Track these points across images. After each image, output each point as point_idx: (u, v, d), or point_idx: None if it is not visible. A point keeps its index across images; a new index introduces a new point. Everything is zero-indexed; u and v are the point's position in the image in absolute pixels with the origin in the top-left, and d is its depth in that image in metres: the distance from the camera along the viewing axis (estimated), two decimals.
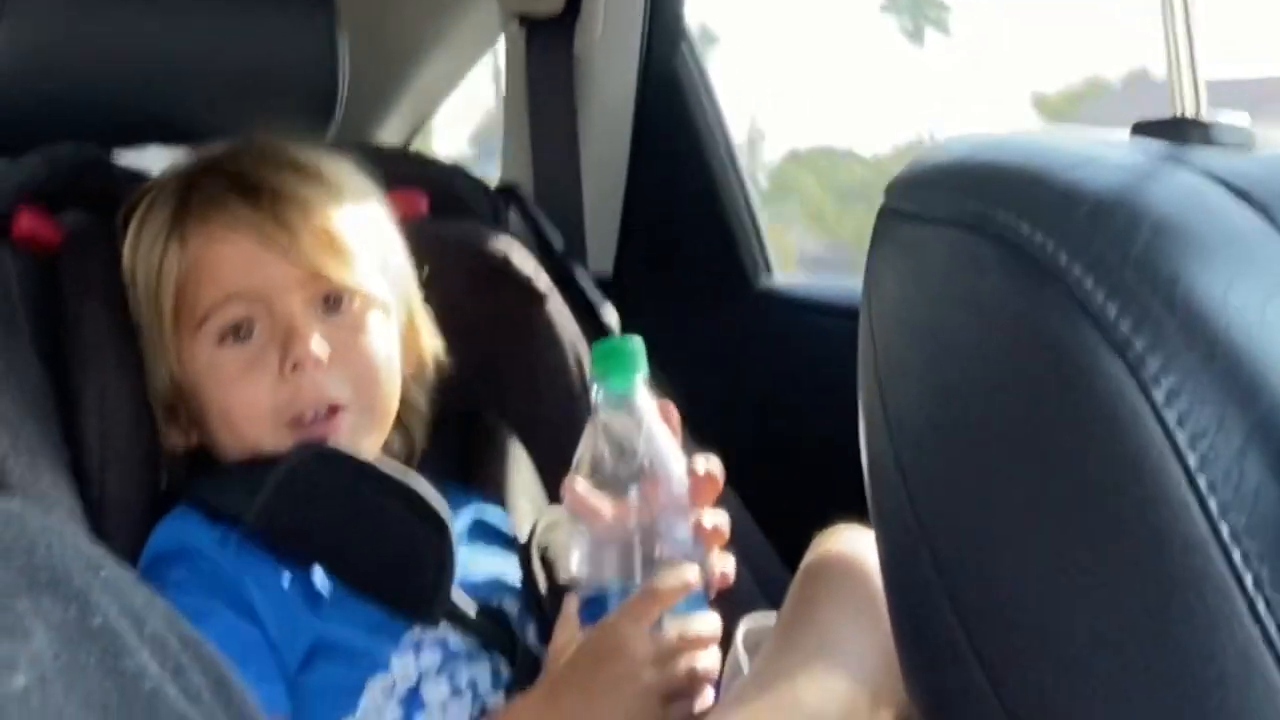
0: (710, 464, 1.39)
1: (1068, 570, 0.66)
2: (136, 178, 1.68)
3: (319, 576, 1.46)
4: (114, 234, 1.60)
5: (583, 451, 1.37)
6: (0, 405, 1.45)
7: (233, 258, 1.52)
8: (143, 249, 1.55)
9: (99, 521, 1.46)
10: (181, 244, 1.53)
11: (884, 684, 1.25)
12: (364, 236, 1.57)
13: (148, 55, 1.73)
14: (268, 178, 1.55)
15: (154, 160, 1.74)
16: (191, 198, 1.55)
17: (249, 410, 1.50)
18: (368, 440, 1.54)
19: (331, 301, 1.53)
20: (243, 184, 1.54)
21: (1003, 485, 0.70)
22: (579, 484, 1.34)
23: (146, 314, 1.55)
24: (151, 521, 1.50)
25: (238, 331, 1.51)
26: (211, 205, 1.54)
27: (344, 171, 1.61)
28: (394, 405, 1.59)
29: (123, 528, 1.48)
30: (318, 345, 1.49)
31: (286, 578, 1.45)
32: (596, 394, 1.39)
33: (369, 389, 1.54)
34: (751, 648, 1.35)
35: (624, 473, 1.34)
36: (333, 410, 1.51)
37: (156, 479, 1.55)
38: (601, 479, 1.35)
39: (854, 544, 1.36)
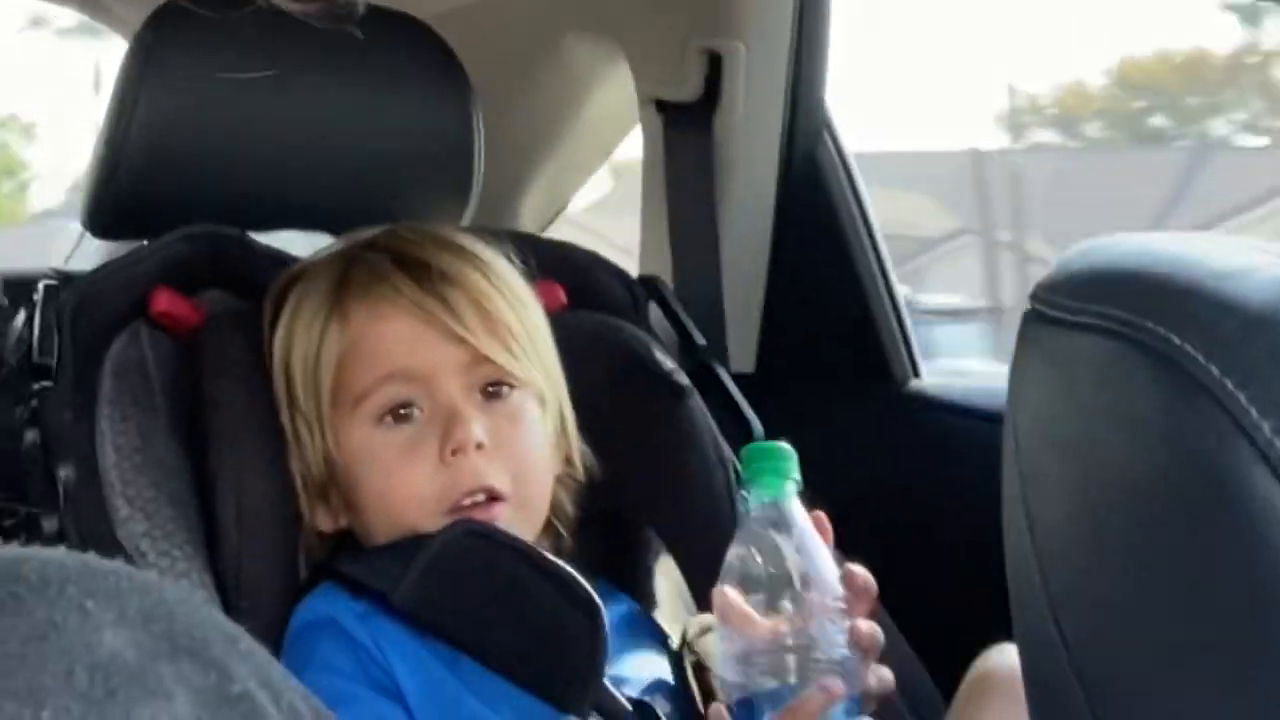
0: (865, 573, 1.36)
1: (1217, 694, 0.64)
2: (277, 259, 1.68)
3: (465, 663, 1.45)
4: (254, 315, 1.60)
5: (732, 557, 1.34)
6: (137, 487, 1.46)
7: (395, 336, 1.51)
8: (300, 326, 1.55)
9: (234, 604, 1.46)
10: (343, 321, 1.52)
11: None
12: (525, 325, 1.56)
13: (283, 138, 1.74)
14: (431, 257, 1.54)
15: (290, 244, 1.75)
16: (353, 275, 1.55)
17: (407, 494, 1.49)
18: (521, 534, 1.53)
19: (491, 389, 1.53)
20: (406, 262, 1.54)
21: (1151, 606, 0.68)
22: (729, 591, 1.32)
23: (303, 392, 1.54)
24: (288, 605, 1.49)
25: (397, 413, 1.50)
26: (375, 281, 1.53)
27: (500, 257, 1.61)
28: (547, 502, 1.57)
29: (258, 611, 1.47)
30: (479, 430, 1.49)
31: (433, 654, 1.44)
32: (746, 499, 1.37)
33: (526, 482, 1.52)
34: None
35: (775, 579, 1.32)
36: (492, 499, 1.50)
37: (294, 562, 1.55)
38: (752, 585, 1.32)
39: (1010, 661, 1.34)
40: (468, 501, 1.48)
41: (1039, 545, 0.77)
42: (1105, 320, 0.73)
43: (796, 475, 1.37)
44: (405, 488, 1.49)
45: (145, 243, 1.67)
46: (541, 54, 2.53)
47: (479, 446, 1.47)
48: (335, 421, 1.52)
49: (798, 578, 1.31)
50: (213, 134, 1.71)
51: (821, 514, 1.38)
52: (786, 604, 1.30)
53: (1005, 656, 1.37)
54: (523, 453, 1.52)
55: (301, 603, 1.48)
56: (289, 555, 1.54)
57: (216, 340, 1.58)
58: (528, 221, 2.68)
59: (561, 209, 2.78)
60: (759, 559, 1.33)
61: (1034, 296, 0.81)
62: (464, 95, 1.81)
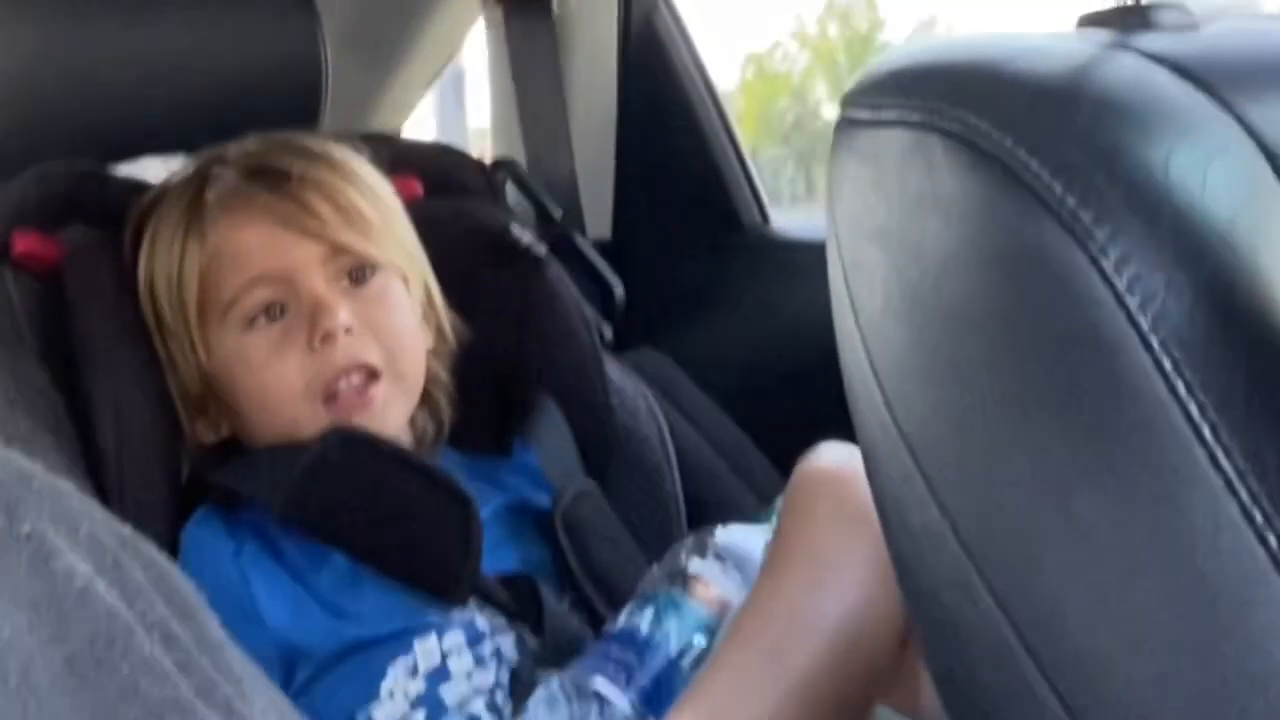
0: None
1: (1034, 441, 0.68)
2: (135, 188, 1.70)
3: (339, 573, 1.48)
4: (115, 244, 1.61)
5: None
6: (15, 421, 1.47)
7: (254, 242, 1.54)
8: (161, 248, 1.57)
9: (121, 519, 1.47)
10: (201, 237, 1.55)
11: (878, 591, 1.27)
12: (380, 211, 1.59)
13: (132, 67, 1.75)
14: (281, 162, 1.58)
15: (149, 171, 1.76)
16: (205, 191, 1.57)
17: (282, 387, 1.52)
18: (398, 410, 1.57)
19: (355, 276, 1.56)
20: (257, 171, 1.57)
21: (967, 370, 0.71)
22: None
23: (169, 311, 1.56)
24: (174, 513, 1.52)
25: (267, 313, 1.53)
26: (228, 195, 1.56)
27: (350, 154, 1.64)
28: (421, 375, 1.61)
29: (144, 523, 1.47)
30: (345, 315, 1.51)
31: (302, 589, 1.47)
32: None
33: (399, 356, 1.56)
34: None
35: None
36: (369, 377, 1.53)
37: (176, 476, 1.57)
38: None
39: (837, 458, 1.38)
40: (343, 385, 1.51)
41: (863, 329, 0.80)
42: (906, 112, 0.76)
43: None
44: (279, 381, 1.52)
45: None
46: None
47: (348, 331, 1.51)
48: (204, 335, 1.54)
49: None
50: (59, 70, 1.71)
51: None
52: None
53: (824, 454, 1.40)
54: (391, 330, 1.56)
55: (184, 532, 1.51)
56: (171, 471, 1.56)
57: (80, 272, 1.59)
58: (381, 123, 2.69)
59: (412, 108, 2.79)
60: None
61: (843, 103, 0.84)
62: (308, 6, 1.82)
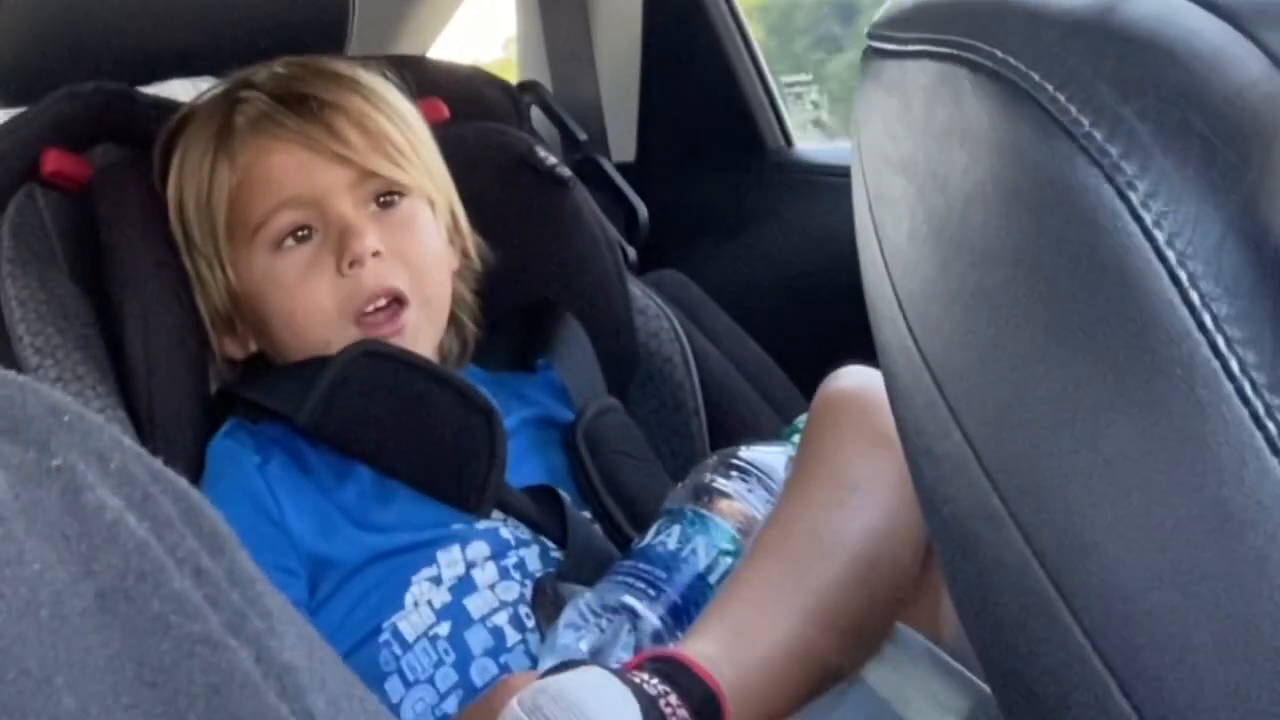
0: None
1: (1060, 371, 0.68)
2: (164, 108, 1.71)
3: (365, 486, 1.49)
4: (144, 163, 1.63)
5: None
6: (44, 335, 1.49)
7: (283, 166, 1.56)
8: (190, 168, 1.59)
9: (150, 433, 1.50)
10: (230, 159, 1.57)
11: (899, 513, 1.28)
12: (407, 137, 1.60)
13: None
14: (310, 88, 1.59)
15: (178, 92, 1.77)
16: (235, 114, 1.59)
17: (312, 310, 1.54)
18: (428, 333, 1.59)
19: (383, 200, 1.57)
20: (286, 96, 1.58)
21: (993, 300, 0.72)
22: None
23: (199, 230, 1.58)
24: (202, 427, 1.53)
25: (295, 236, 1.54)
26: (259, 118, 1.58)
27: (378, 79, 1.65)
28: (448, 299, 1.63)
29: (173, 437, 1.51)
30: (373, 240, 1.52)
31: (328, 502, 1.48)
32: None
33: (425, 280, 1.58)
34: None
35: None
36: (396, 302, 1.54)
37: (205, 392, 1.59)
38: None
39: (859, 381, 1.38)
40: (371, 308, 1.53)
41: (888, 258, 0.81)
42: (935, 45, 0.76)
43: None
44: (309, 304, 1.53)
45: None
46: None
47: (375, 254, 1.52)
48: (233, 255, 1.56)
49: None
50: None
51: None
52: None
53: (847, 378, 1.41)
54: (419, 253, 1.57)
55: (211, 444, 1.52)
56: (199, 386, 1.59)
57: (110, 190, 1.60)
58: (409, 47, 2.69)
59: (440, 30, 2.78)
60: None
61: (870, 34, 0.85)
62: None
